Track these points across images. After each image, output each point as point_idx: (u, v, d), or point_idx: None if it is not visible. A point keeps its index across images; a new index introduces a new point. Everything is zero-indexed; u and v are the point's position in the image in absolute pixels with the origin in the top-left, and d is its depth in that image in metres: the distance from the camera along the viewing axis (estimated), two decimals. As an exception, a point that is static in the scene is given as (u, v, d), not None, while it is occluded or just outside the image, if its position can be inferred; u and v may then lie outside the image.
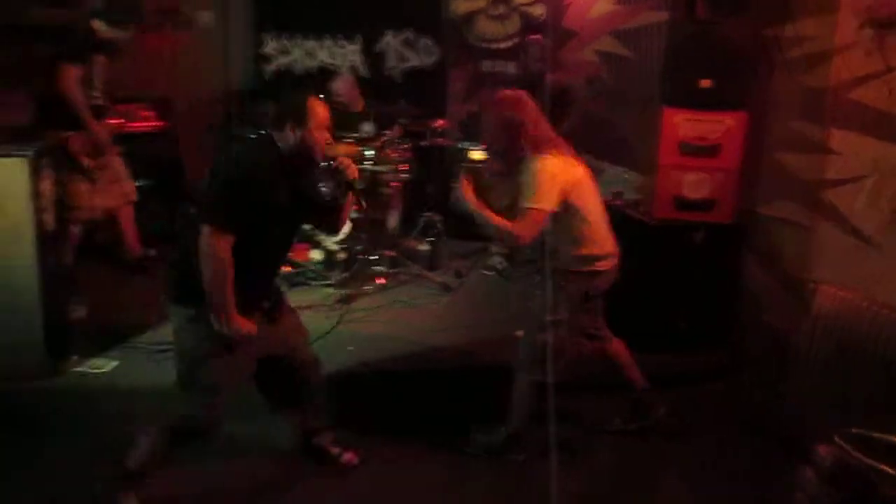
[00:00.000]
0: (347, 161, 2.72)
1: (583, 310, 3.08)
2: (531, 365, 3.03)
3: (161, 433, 2.64)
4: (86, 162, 4.24)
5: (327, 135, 2.67)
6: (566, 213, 2.90)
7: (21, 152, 3.19)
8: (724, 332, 4.04)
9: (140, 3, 4.49)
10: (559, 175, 2.86)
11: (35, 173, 3.22)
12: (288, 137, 2.60)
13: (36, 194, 3.22)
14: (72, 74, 4.10)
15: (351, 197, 2.80)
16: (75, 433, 2.83)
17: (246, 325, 2.55)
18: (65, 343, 3.54)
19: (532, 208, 2.80)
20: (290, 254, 2.84)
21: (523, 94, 2.98)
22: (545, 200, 2.81)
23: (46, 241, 3.36)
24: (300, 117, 2.58)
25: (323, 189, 2.81)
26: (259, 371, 2.79)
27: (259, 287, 2.70)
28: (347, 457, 3.13)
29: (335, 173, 2.72)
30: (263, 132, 2.67)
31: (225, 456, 3.03)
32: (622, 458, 3.25)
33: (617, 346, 3.32)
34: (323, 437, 3.11)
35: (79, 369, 3.51)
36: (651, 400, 3.35)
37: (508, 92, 3.01)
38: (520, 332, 3.17)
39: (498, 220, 2.86)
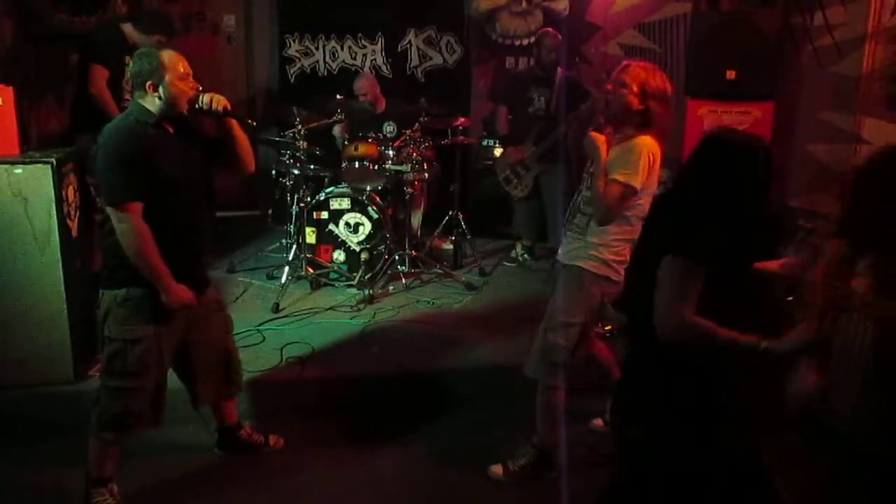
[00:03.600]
0: (211, 94, 2.65)
1: (595, 317, 2.95)
2: (546, 369, 2.87)
3: (98, 434, 2.65)
4: None
5: (194, 83, 2.62)
6: (628, 205, 2.66)
7: (45, 158, 3.20)
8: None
9: (169, 18, 4.52)
10: (656, 161, 2.65)
11: (59, 179, 3.23)
12: (152, 98, 2.57)
13: (59, 200, 3.22)
14: (101, 75, 4.16)
15: (234, 124, 2.72)
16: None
17: (185, 292, 2.60)
18: (93, 346, 3.57)
19: (622, 183, 2.59)
20: (211, 216, 2.82)
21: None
22: (637, 178, 2.59)
23: (72, 246, 3.37)
24: (154, 74, 2.54)
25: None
26: (181, 362, 2.82)
27: (185, 254, 2.67)
28: (274, 440, 3.19)
29: (207, 112, 2.65)
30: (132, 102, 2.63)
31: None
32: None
33: (600, 348, 3.17)
34: (243, 429, 3.15)
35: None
36: None
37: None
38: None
39: (602, 184, 2.60)
